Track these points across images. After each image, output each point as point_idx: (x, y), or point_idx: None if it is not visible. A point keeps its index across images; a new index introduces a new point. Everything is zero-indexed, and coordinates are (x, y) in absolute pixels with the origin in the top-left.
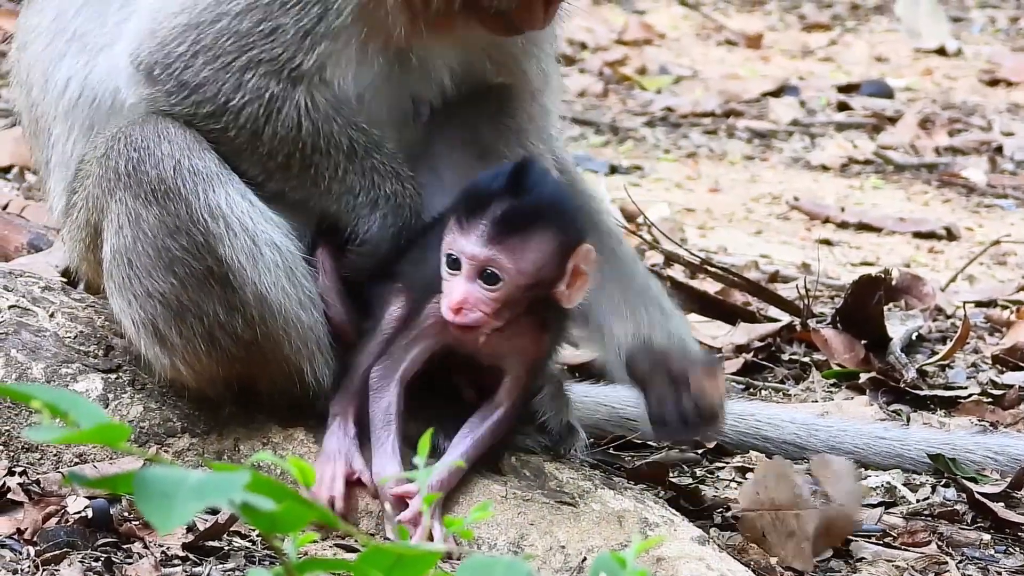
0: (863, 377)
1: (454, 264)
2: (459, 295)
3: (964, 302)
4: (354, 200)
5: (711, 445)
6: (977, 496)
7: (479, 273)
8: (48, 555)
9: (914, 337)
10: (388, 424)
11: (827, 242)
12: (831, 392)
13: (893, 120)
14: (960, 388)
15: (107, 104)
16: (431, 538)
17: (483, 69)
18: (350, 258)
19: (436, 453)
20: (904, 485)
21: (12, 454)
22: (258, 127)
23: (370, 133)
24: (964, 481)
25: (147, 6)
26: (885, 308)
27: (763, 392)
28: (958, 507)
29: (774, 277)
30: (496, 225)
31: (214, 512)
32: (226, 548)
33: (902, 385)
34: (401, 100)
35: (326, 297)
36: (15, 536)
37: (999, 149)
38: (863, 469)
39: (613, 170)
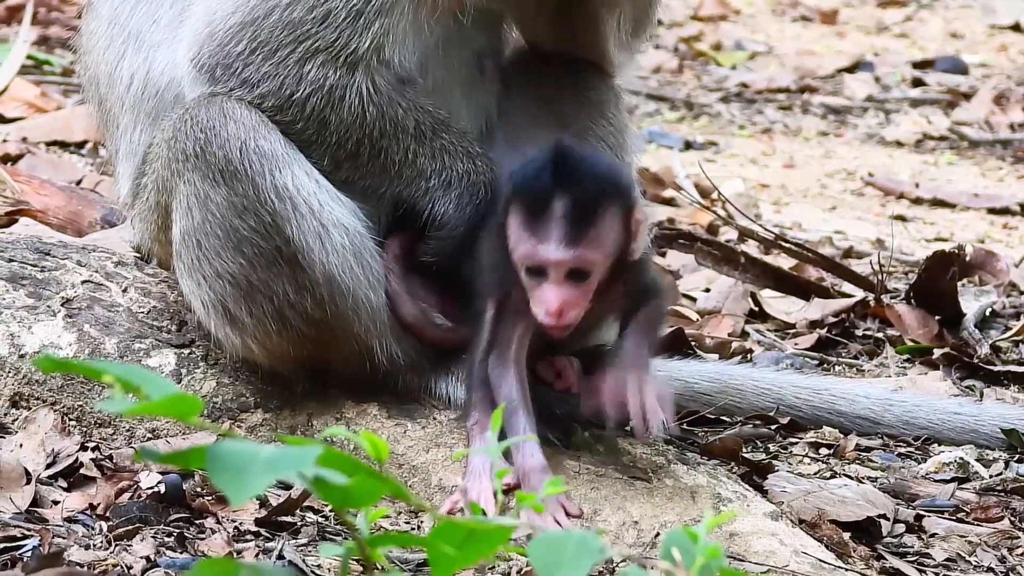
0: (937, 353)
1: (537, 272)
2: (556, 302)
3: None
4: (426, 183)
5: (784, 421)
6: None
7: (567, 275)
8: (121, 530)
9: (988, 313)
10: (516, 412)
11: (901, 218)
12: (904, 368)
13: (968, 96)
14: None
15: (170, 96)
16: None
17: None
18: (429, 243)
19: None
20: (977, 461)
21: (85, 429)
22: (324, 117)
23: (436, 113)
24: None
25: (202, 9)
26: (959, 284)
27: (837, 368)
28: None
29: (848, 253)
30: (571, 225)
31: (287, 487)
32: (298, 523)
33: (976, 361)
34: (464, 58)
35: (394, 289)
36: (88, 511)
37: None
38: (936, 444)
39: (688, 146)
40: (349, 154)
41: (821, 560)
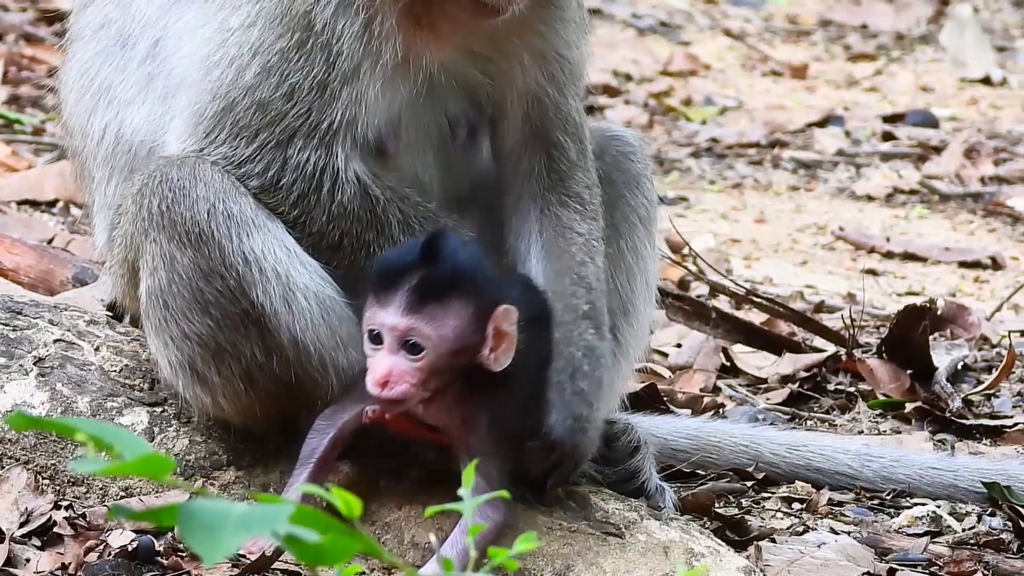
0: (909, 407)
1: (376, 339)
2: (383, 368)
3: (1009, 331)
4: None
5: (760, 476)
6: None
7: (401, 344)
8: None
9: (959, 366)
10: (305, 465)
11: (872, 272)
12: (877, 422)
13: (938, 150)
14: (1005, 417)
15: (144, 152)
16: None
17: (493, 66)
18: None
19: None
20: (950, 514)
21: (58, 488)
22: (309, 204)
23: (420, 204)
24: (1021, 508)
25: (185, 102)
26: (930, 338)
27: (809, 422)
28: (1004, 536)
29: (819, 307)
30: (413, 294)
31: None
32: None
33: (948, 415)
34: (438, 123)
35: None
36: (61, 570)
37: None
38: (910, 497)
39: (659, 201)
40: (332, 244)
41: None
